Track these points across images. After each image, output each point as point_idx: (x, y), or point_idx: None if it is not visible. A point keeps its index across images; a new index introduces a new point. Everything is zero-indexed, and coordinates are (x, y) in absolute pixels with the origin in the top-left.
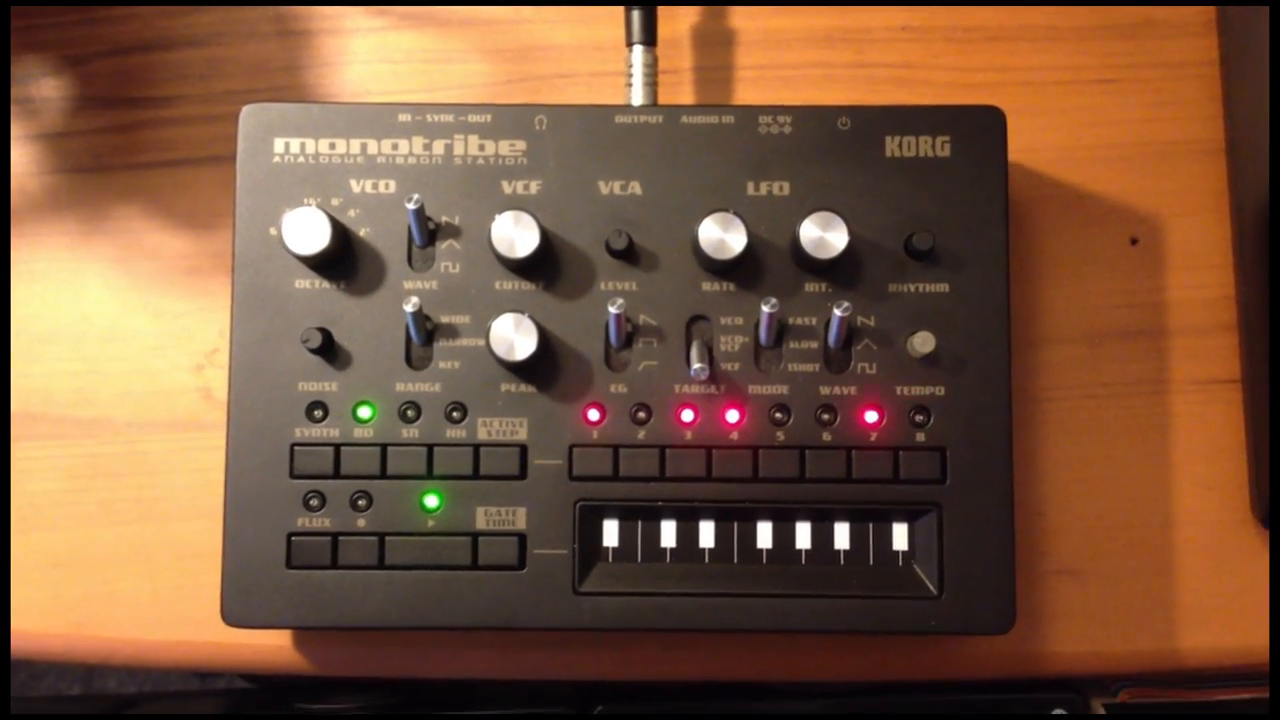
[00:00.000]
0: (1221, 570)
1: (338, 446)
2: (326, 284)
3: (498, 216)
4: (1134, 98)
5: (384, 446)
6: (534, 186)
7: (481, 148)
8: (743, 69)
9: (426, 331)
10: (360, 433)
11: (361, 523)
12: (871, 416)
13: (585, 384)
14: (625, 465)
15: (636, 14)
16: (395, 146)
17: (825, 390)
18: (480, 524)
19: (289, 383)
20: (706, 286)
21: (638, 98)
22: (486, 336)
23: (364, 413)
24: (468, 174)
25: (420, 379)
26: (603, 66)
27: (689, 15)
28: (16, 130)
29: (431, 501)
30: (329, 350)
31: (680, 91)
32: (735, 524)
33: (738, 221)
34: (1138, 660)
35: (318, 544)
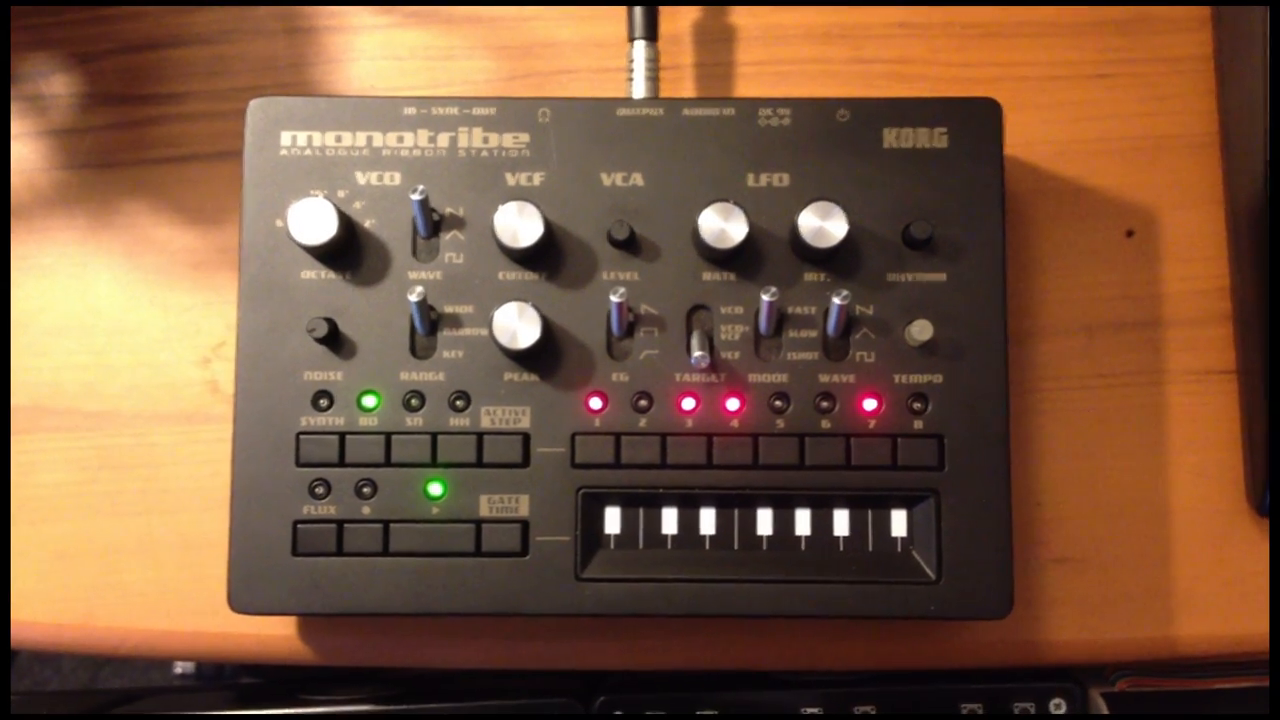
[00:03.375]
0: (1217, 559)
1: (343, 435)
2: (332, 274)
3: (501, 207)
4: (1129, 92)
5: (388, 435)
6: (537, 178)
7: (485, 140)
8: (742, 65)
9: (430, 321)
10: (365, 421)
11: (366, 510)
12: (870, 404)
13: (587, 373)
14: (627, 453)
15: (638, 10)
16: (400, 139)
17: (824, 378)
18: (484, 511)
19: (295, 372)
20: (707, 276)
21: (639, 91)
22: (490, 326)
23: (369, 401)
24: (472, 166)
25: (424, 368)
26: (605, 63)
27: (689, 12)
28: (27, 127)
29: (435, 489)
30: (334, 340)
31: (681, 87)
32: (736, 511)
33: (738, 212)
34: (1135, 648)
35: (323, 531)
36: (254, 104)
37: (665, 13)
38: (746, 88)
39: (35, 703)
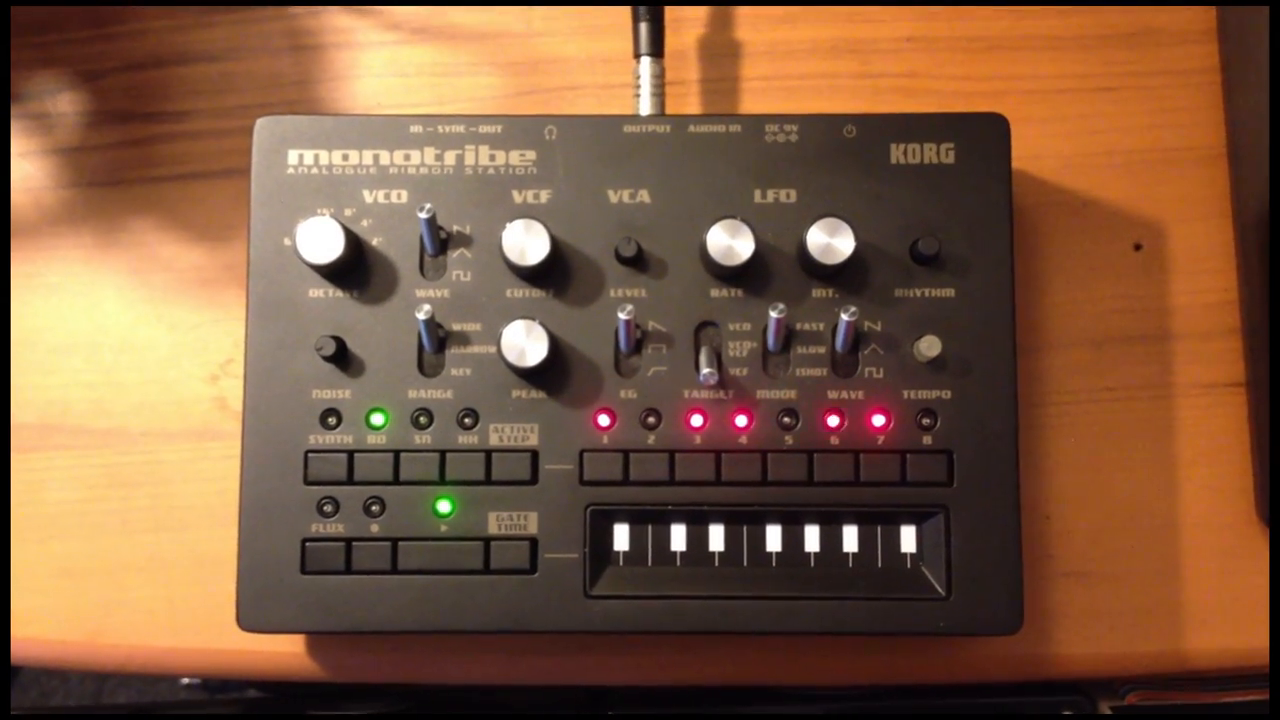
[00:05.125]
0: (1227, 572)
1: (351, 453)
2: (340, 293)
3: (508, 225)
4: (1136, 105)
5: (397, 453)
6: (544, 195)
7: (492, 158)
8: (748, 80)
9: (438, 339)
10: (373, 439)
11: (375, 528)
12: (879, 420)
13: (595, 390)
14: (635, 470)
15: (644, 26)
16: (407, 157)
17: (833, 394)
18: (492, 529)
19: (303, 390)
20: (715, 293)
21: (645, 108)
22: (498, 343)
23: (377, 419)
24: (479, 184)
25: (432, 386)
26: (610, 79)
27: (695, 27)
28: (33, 145)
29: (444, 507)
30: (342, 358)
31: (687, 102)
32: (744, 527)
33: (745, 228)
34: (1144, 662)
35: (332, 549)
36: (261, 123)
37: (671, 27)
38: (753, 103)
39: (43, 709)
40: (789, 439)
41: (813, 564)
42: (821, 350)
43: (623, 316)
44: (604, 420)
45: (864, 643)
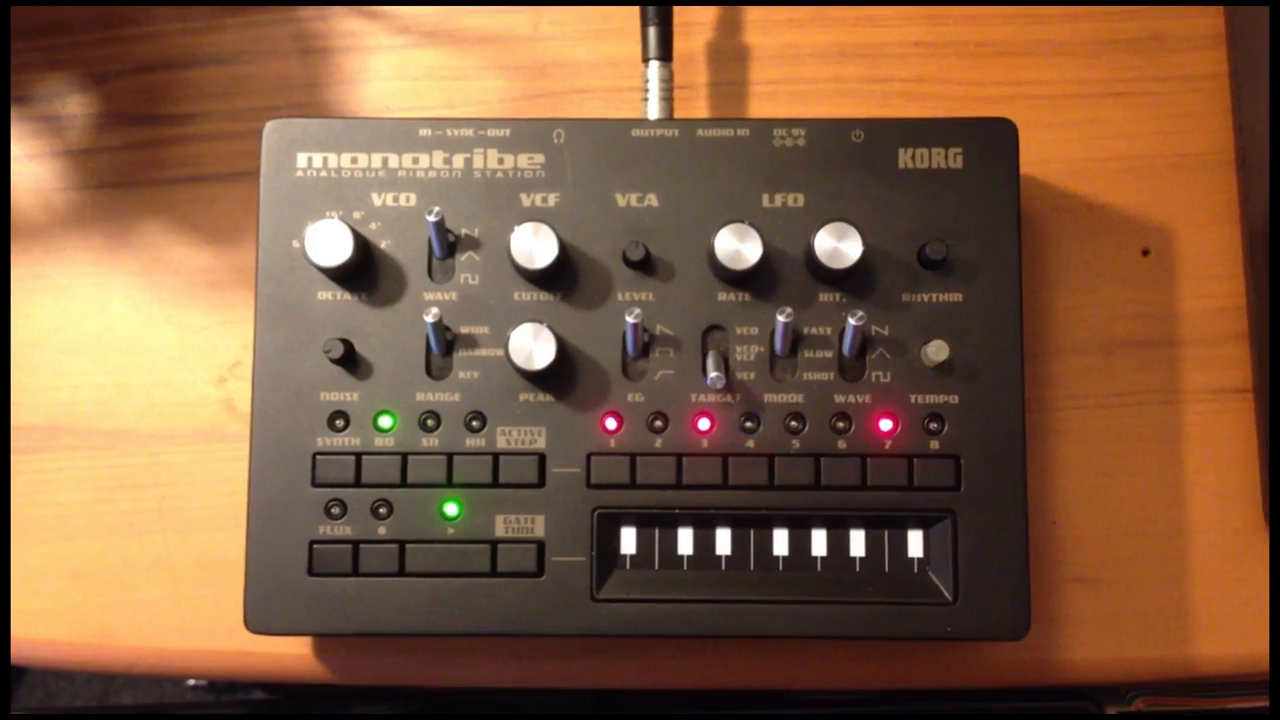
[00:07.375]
0: (1235, 578)
1: (359, 455)
2: (348, 295)
3: (516, 228)
4: (1145, 110)
5: (404, 455)
6: (552, 199)
7: (500, 161)
8: (757, 84)
9: (446, 342)
10: (381, 442)
11: (382, 531)
12: (886, 424)
13: (603, 393)
14: (643, 473)
15: (652, 30)
16: (416, 160)
17: (840, 399)
18: (499, 532)
19: (311, 392)
20: (722, 297)
21: (654, 112)
22: (505, 346)
23: (385, 422)
24: (487, 187)
25: (440, 389)
26: (619, 82)
27: (704, 31)
28: (43, 147)
29: (451, 510)
30: (350, 360)
31: (695, 106)
32: (751, 531)
33: (753, 232)
34: (1152, 668)
35: (339, 552)
36: (270, 125)
37: (679, 31)
38: (761, 107)
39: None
40: (796, 443)
41: (820, 568)
42: (829, 354)
43: (630, 320)
44: (611, 423)
45: (870, 647)
